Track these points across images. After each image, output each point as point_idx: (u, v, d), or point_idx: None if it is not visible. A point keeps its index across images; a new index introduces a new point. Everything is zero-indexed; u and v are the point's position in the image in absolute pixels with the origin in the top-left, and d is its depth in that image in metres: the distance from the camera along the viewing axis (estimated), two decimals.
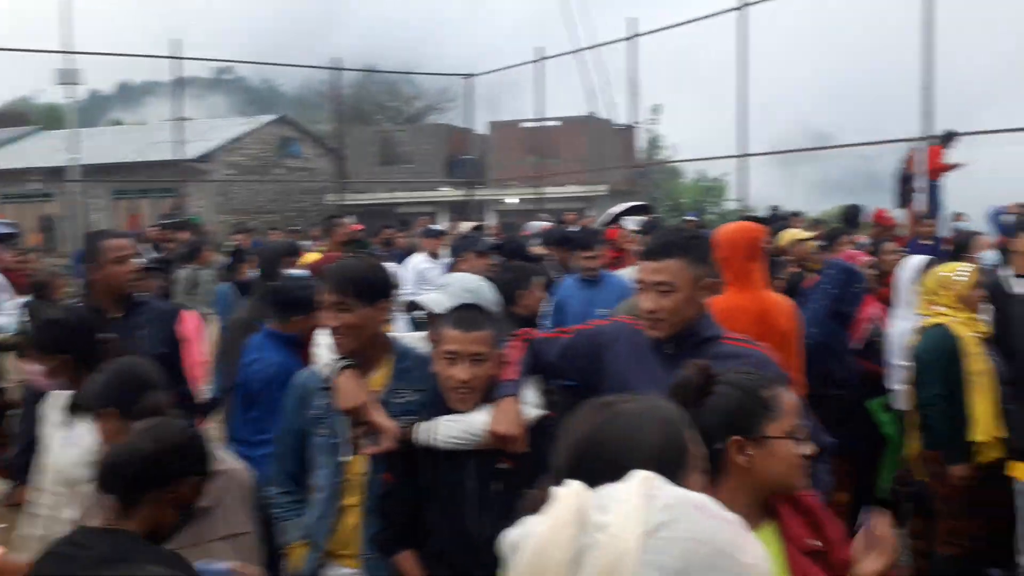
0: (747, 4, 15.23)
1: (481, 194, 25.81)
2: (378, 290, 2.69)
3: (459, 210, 23.00)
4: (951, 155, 11.92)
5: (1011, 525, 3.83)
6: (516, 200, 24.35)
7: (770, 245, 6.74)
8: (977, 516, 4.05)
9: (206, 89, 68.74)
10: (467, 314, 2.58)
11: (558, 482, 1.31)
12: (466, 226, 11.18)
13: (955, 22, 12.52)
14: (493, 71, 24.59)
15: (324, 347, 2.76)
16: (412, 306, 2.98)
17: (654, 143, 29.45)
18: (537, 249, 7.04)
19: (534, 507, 1.30)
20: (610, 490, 1.01)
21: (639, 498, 0.98)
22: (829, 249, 6.00)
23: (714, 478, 1.80)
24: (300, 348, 3.48)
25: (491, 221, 22.37)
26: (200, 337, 4.35)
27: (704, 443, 1.79)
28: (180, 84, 20.72)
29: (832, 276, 4.83)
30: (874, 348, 4.93)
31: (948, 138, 11.98)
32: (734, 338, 2.53)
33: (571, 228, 9.91)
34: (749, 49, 15.34)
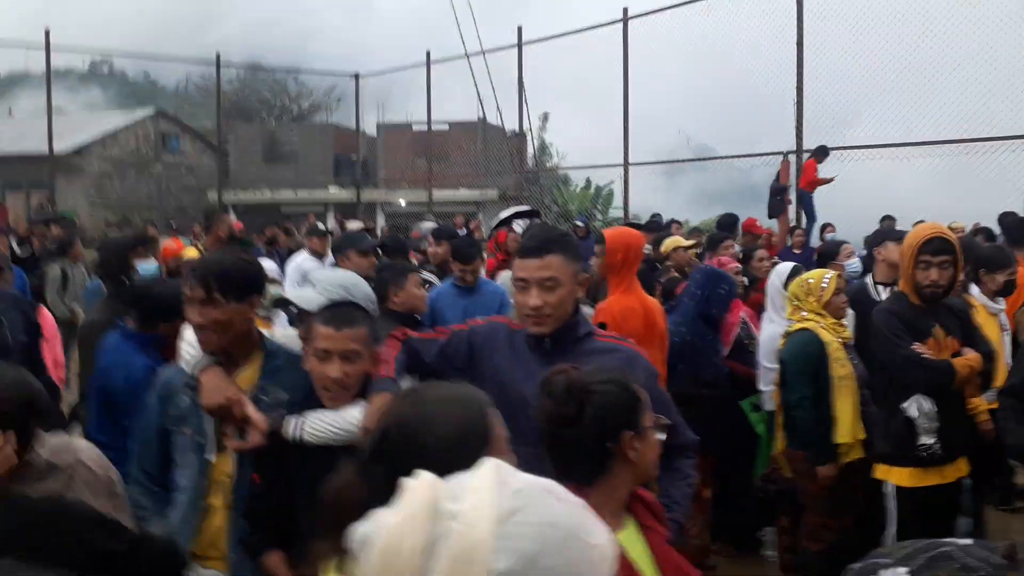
0: (630, 17, 15.60)
1: (370, 195, 25.52)
2: (247, 286, 2.60)
3: (348, 211, 22.68)
4: (824, 169, 12.48)
5: (875, 522, 4.00)
6: (403, 203, 24.21)
7: (652, 251, 6.95)
8: (841, 513, 4.23)
9: (81, 81, 65.62)
10: (340, 311, 2.51)
11: (364, 467, 1.31)
12: (354, 225, 11.04)
13: (825, 44, 13.12)
14: (382, 72, 24.42)
15: (190, 343, 2.66)
16: (283, 303, 2.89)
17: (543, 150, 29.72)
18: (431, 250, 6.98)
19: (337, 493, 1.28)
20: (462, 478, 1.01)
21: (491, 485, 0.98)
22: (712, 253, 6.21)
23: (595, 477, 1.82)
24: (164, 347, 3.26)
25: (380, 223, 22.16)
26: (56, 336, 4.14)
27: (595, 442, 1.81)
28: (52, 74, 19.75)
29: (698, 280, 4.99)
30: (744, 350, 5.10)
31: (822, 153, 12.53)
32: (605, 334, 2.57)
33: (460, 231, 9.89)
34: (632, 61, 15.73)
